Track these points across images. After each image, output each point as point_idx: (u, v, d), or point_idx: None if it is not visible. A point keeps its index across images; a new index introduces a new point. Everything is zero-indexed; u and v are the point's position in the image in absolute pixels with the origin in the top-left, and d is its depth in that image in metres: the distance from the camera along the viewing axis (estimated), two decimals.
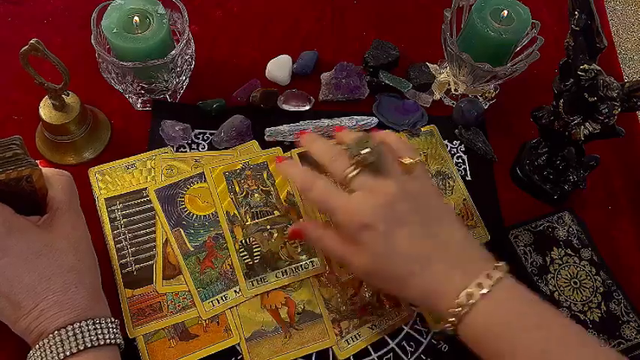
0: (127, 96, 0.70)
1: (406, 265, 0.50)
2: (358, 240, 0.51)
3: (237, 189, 0.64)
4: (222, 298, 0.58)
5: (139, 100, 0.70)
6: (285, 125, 0.69)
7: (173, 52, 0.63)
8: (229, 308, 0.58)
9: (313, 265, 0.61)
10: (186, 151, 0.67)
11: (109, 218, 0.62)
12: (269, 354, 0.57)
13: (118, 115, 0.70)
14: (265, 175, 0.65)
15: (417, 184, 0.53)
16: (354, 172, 0.52)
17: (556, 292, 0.61)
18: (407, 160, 0.53)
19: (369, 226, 0.50)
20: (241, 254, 0.61)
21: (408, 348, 0.59)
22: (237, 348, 0.57)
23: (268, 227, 0.62)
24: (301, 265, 0.61)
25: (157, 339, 0.56)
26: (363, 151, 0.51)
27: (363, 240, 0.51)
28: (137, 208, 0.62)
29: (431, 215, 0.52)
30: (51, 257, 0.49)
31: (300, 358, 0.57)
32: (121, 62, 0.62)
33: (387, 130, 0.57)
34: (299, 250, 0.62)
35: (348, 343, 0.58)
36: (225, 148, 0.68)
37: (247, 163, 0.66)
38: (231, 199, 0.64)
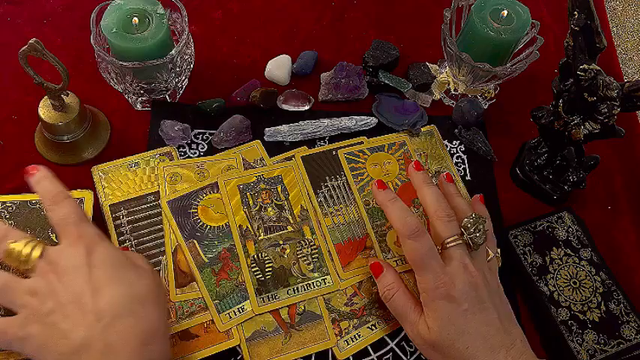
0: (126, 96, 0.70)
1: (472, 347, 0.51)
2: (435, 306, 0.52)
3: (250, 202, 0.63)
4: (238, 310, 0.58)
5: (139, 100, 0.70)
6: (284, 125, 0.69)
7: (172, 52, 0.63)
8: (245, 321, 0.57)
9: (325, 283, 0.60)
10: (185, 151, 0.67)
11: (114, 225, 0.61)
12: (269, 354, 0.57)
13: (118, 115, 0.70)
14: (279, 189, 0.65)
15: (496, 277, 0.56)
16: (457, 242, 0.54)
17: (555, 292, 0.61)
18: (490, 254, 0.56)
19: (454, 300, 0.51)
20: (253, 270, 0.60)
21: (407, 348, 0.59)
22: (238, 348, 0.57)
23: (281, 242, 0.62)
24: (313, 283, 0.60)
25: None
26: (477, 234, 0.54)
27: (440, 309, 0.52)
28: (142, 214, 0.62)
29: (504, 310, 0.54)
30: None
31: (300, 358, 0.57)
32: (121, 62, 0.62)
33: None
34: (311, 268, 0.61)
35: (348, 344, 0.58)
36: (225, 148, 0.68)
37: (262, 177, 0.65)
38: (245, 212, 0.63)
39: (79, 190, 0.62)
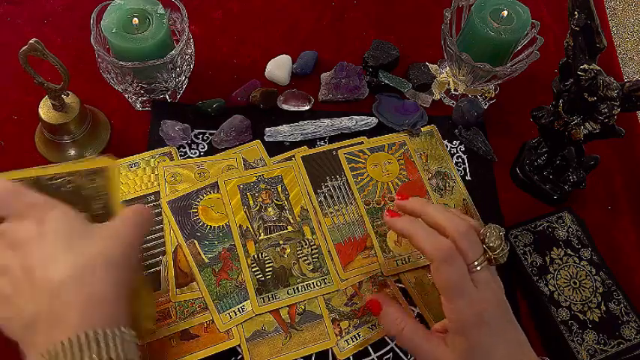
0: (126, 96, 0.70)
1: None
2: (467, 334, 0.49)
3: (250, 202, 0.63)
4: (239, 310, 0.58)
5: (139, 100, 0.70)
6: (284, 125, 0.69)
7: (172, 52, 0.63)
8: (245, 321, 0.58)
9: (325, 283, 0.60)
10: (185, 151, 0.67)
11: None
12: (269, 354, 0.57)
13: (118, 115, 0.70)
14: (279, 189, 0.65)
15: (501, 283, 0.53)
16: (484, 264, 0.50)
17: (556, 292, 0.61)
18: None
19: (486, 325, 0.48)
20: (253, 269, 0.60)
21: None
22: (238, 348, 0.57)
23: (281, 242, 0.62)
24: (313, 283, 0.60)
25: (158, 338, 0.56)
26: (502, 253, 0.50)
27: (473, 337, 0.49)
28: None
29: (510, 313, 0.52)
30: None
31: (300, 358, 0.57)
32: (121, 62, 0.62)
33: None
34: (311, 268, 0.61)
35: (348, 344, 0.58)
36: (226, 148, 0.68)
37: (262, 177, 0.65)
38: (245, 212, 0.63)
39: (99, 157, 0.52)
